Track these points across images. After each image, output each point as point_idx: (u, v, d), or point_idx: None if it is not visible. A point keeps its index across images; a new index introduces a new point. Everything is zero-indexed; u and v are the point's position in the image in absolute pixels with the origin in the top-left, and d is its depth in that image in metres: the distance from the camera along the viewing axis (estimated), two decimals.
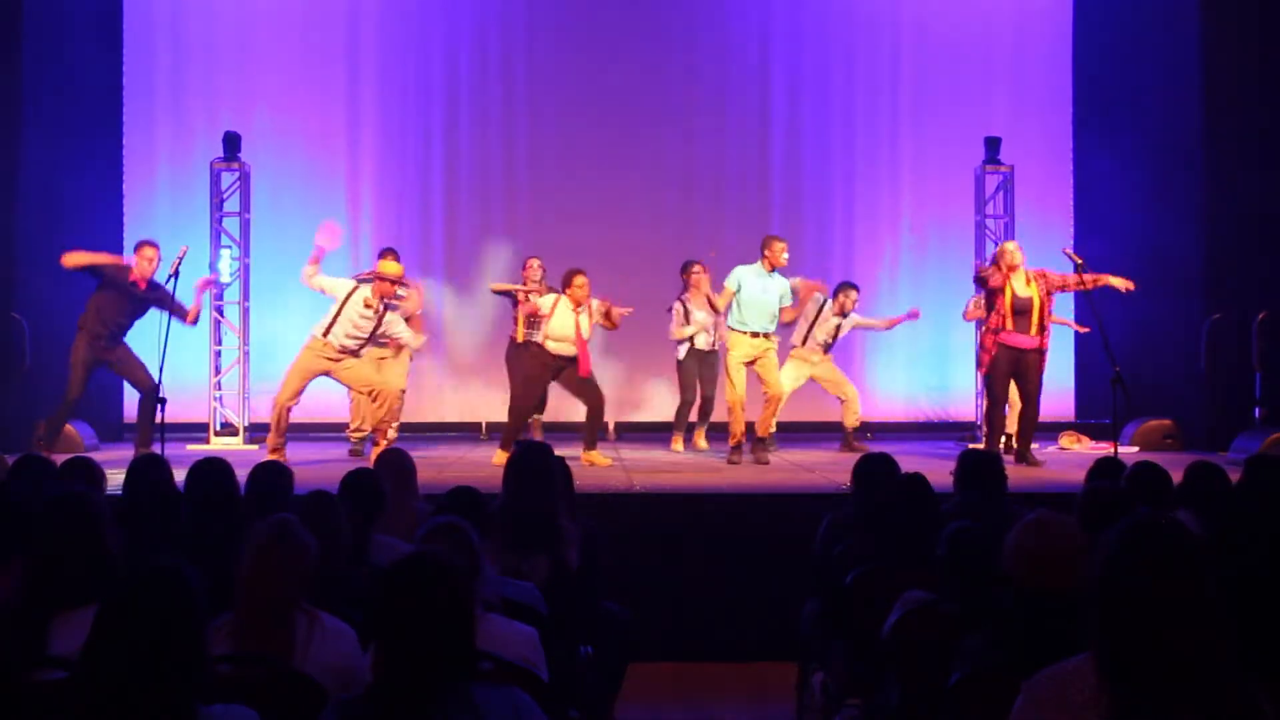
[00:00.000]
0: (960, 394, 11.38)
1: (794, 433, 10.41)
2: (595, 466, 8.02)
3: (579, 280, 8.23)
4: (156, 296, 8.44)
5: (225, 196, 10.20)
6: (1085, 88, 11.55)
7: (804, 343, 9.75)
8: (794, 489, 7.12)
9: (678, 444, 9.51)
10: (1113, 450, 7.06)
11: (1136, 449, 9.40)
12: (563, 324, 8.22)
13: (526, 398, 8.48)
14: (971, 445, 9.01)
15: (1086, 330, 9.67)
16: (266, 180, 10.73)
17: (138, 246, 8.47)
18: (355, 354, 8.17)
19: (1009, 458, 8.03)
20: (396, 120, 11.59)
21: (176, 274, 8.12)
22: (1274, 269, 9.45)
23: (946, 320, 11.20)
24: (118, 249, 10.72)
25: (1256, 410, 9.16)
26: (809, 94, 11.77)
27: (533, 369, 8.41)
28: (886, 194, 11.79)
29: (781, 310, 8.78)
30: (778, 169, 11.77)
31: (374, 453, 7.46)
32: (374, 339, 8.27)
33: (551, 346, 8.25)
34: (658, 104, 11.55)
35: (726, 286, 8.73)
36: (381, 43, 11.60)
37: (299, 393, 8.15)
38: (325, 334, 8.05)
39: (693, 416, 9.67)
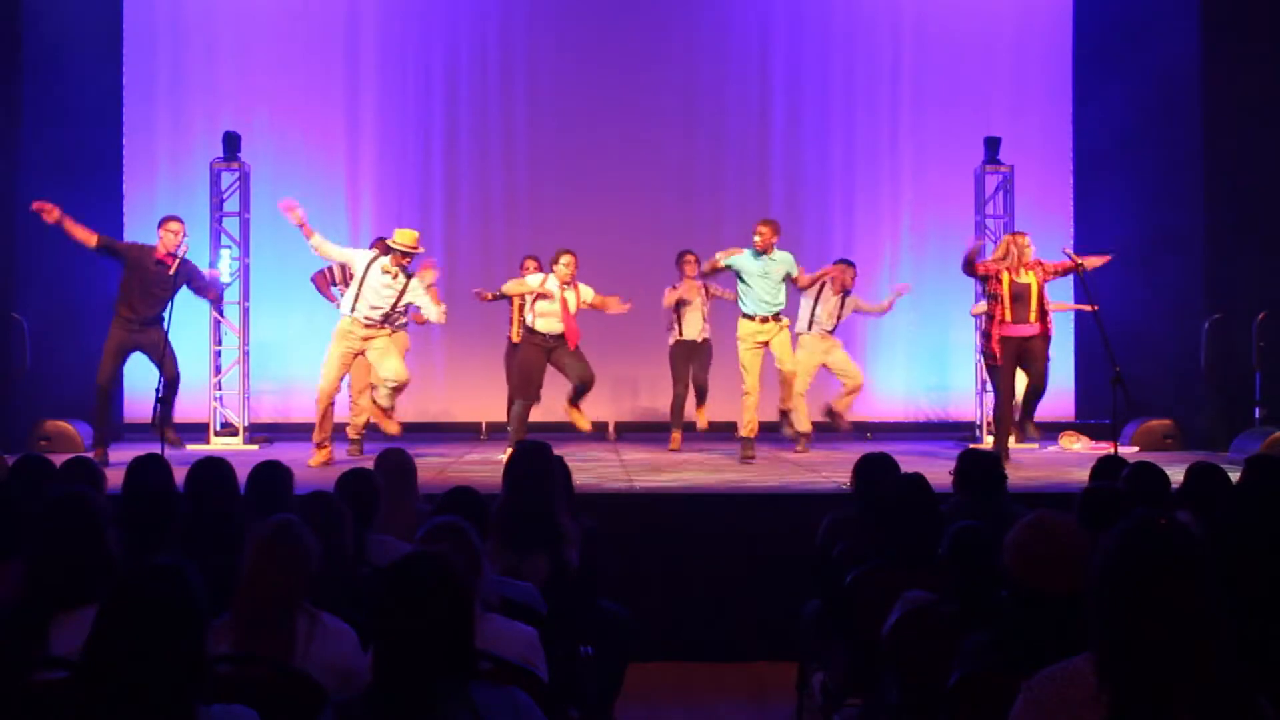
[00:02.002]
0: (960, 394, 11.37)
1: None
2: (575, 427, 8.55)
3: (564, 259, 8.56)
4: (186, 273, 8.22)
5: (225, 196, 10.19)
6: (1085, 87, 11.55)
7: (810, 327, 9.57)
8: (794, 489, 7.11)
9: (675, 442, 9.43)
10: (1113, 450, 7.05)
11: (1136, 449, 9.40)
12: (549, 300, 8.46)
13: (524, 387, 8.61)
14: (972, 445, 9.00)
15: (1094, 309, 8.97)
16: (266, 180, 10.72)
17: (162, 222, 8.21)
18: (380, 326, 8.14)
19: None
20: (396, 120, 11.59)
21: (177, 273, 8.12)
22: (1274, 269, 9.45)
23: (946, 320, 11.20)
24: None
25: (1256, 410, 9.16)
26: (809, 93, 11.77)
27: (526, 355, 8.67)
28: (886, 194, 11.79)
29: (795, 279, 8.75)
30: (778, 168, 11.77)
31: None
32: (395, 310, 8.24)
33: (540, 325, 8.53)
34: (658, 103, 11.56)
35: (716, 258, 8.66)
36: (381, 43, 11.61)
37: (339, 379, 8.29)
38: (351, 310, 8.11)
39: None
